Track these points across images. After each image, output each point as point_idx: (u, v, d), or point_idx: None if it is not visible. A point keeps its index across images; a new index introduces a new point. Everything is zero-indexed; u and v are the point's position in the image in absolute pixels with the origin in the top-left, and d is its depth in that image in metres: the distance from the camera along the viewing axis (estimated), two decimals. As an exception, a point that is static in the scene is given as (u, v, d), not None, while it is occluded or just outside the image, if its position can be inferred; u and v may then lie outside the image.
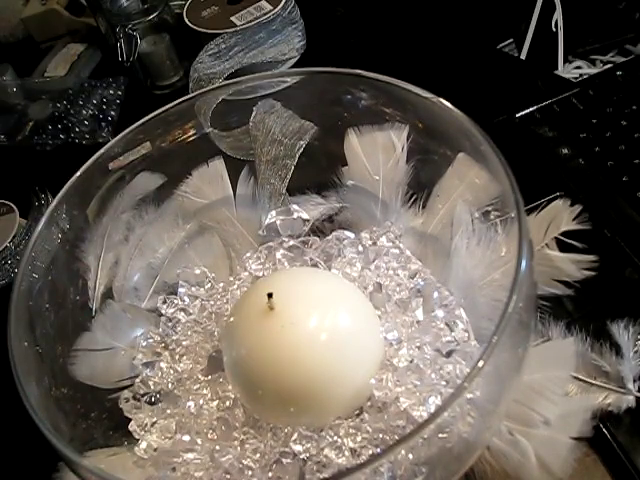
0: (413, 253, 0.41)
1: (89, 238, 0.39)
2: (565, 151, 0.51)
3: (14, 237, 0.55)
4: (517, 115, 0.55)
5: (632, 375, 0.38)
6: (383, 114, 0.40)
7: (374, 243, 0.42)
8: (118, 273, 0.41)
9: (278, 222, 0.43)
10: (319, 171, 0.44)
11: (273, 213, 0.43)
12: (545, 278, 0.38)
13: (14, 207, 0.57)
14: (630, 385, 0.38)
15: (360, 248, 0.41)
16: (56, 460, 0.36)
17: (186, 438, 0.35)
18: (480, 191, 0.38)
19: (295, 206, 0.44)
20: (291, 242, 0.43)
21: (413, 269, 0.40)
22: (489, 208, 0.37)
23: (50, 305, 0.36)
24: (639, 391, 0.38)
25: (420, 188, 0.41)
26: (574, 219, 0.43)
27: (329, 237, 0.43)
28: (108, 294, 0.40)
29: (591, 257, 0.39)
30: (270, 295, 0.33)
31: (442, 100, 0.36)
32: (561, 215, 0.43)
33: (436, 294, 0.38)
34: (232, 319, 0.36)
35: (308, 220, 0.43)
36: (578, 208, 0.43)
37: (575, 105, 0.55)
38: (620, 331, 0.39)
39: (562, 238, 0.41)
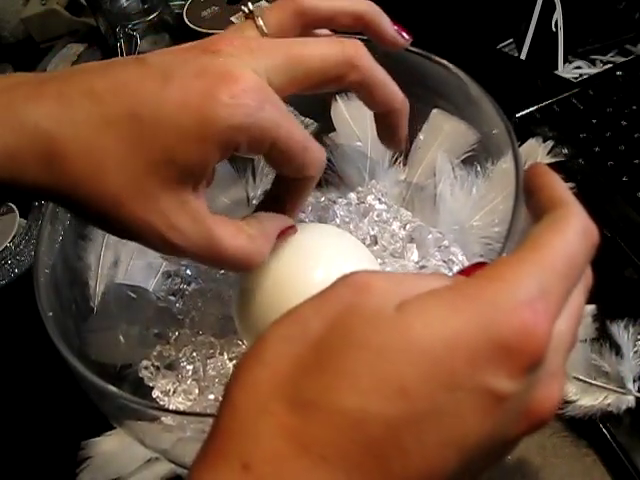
0: (400, 205, 0.43)
1: (90, 236, 0.39)
2: (565, 151, 0.51)
3: (14, 237, 0.55)
4: (517, 115, 0.55)
5: (632, 375, 0.38)
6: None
7: (362, 202, 0.43)
8: (118, 272, 0.41)
9: None
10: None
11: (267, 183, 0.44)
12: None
13: (14, 207, 0.57)
14: (630, 385, 0.38)
15: (352, 208, 0.42)
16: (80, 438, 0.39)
17: (211, 397, 0.35)
18: (457, 140, 0.40)
19: None
20: None
21: (404, 219, 0.42)
22: (468, 155, 0.40)
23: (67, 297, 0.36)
24: (639, 391, 0.38)
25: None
26: (548, 153, 0.47)
27: (321, 199, 0.43)
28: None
29: (570, 184, 0.41)
30: None
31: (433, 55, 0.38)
32: (536, 151, 0.47)
33: (430, 236, 0.40)
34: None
35: None
36: (550, 143, 0.48)
37: (575, 105, 0.55)
38: (620, 331, 0.39)
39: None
